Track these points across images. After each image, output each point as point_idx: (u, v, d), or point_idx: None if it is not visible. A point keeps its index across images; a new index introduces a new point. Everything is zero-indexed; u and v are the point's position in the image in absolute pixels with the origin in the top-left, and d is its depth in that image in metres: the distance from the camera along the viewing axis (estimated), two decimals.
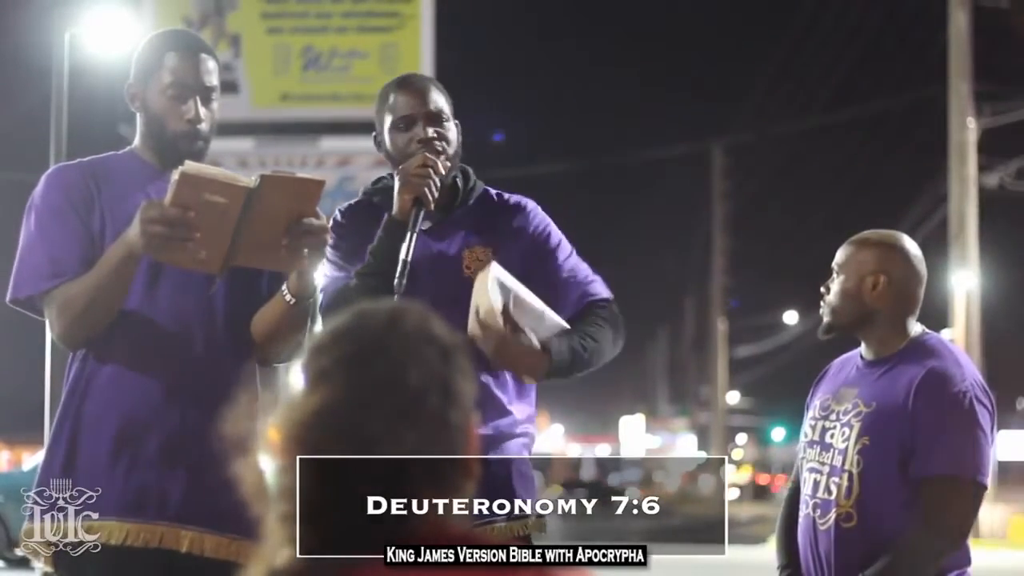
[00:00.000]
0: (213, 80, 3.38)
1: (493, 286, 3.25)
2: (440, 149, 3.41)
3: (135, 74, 3.41)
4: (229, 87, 24.32)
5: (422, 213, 3.33)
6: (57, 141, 11.17)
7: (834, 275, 3.64)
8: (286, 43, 25.17)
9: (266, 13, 25.25)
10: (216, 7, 25.15)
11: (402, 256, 3.29)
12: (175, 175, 3.09)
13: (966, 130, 23.35)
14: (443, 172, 3.36)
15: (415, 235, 3.31)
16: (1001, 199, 24.88)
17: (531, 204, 3.56)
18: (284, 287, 3.30)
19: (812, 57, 33.72)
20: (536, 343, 3.26)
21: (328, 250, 3.44)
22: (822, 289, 3.66)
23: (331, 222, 3.48)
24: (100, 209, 3.32)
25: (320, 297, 3.43)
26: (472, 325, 3.22)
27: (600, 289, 3.51)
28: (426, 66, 24.10)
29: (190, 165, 3.12)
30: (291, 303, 3.29)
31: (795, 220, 43.71)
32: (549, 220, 3.55)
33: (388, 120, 3.47)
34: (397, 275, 3.26)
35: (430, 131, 3.42)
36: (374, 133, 3.55)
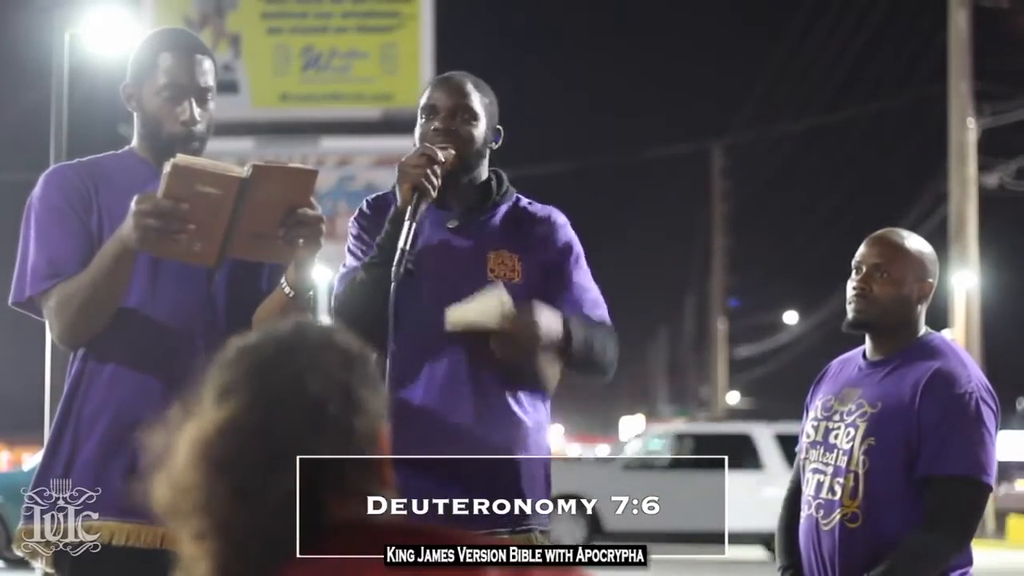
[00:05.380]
0: (209, 80, 3.37)
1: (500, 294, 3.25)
2: (450, 141, 3.38)
3: (131, 74, 3.40)
4: (229, 87, 24.33)
5: (423, 204, 3.31)
6: (57, 141, 11.16)
7: (874, 273, 3.62)
8: (286, 43, 25.18)
9: (266, 13, 25.25)
10: (216, 7, 25.15)
11: (400, 244, 3.28)
12: (167, 167, 3.08)
13: (966, 130, 23.34)
14: (443, 161, 3.33)
15: (414, 224, 3.29)
16: (1001, 199, 24.88)
17: (561, 217, 3.53)
18: (283, 280, 3.30)
19: (812, 57, 33.69)
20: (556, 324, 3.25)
21: (350, 240, 3.45)
22: (859, 284, 3.63)
23: (357, 212, 3.49)
24: (98, 209, 3.32)
25: (334, 286, 3.43)
26: (498, 318, 3.20)
27: (605, 315, 3.48)
28: (426, 66, 24.11)
29: (181, 157, 3.11)
30: (290, 296, 3.29)
31: (795, 220, 43.73)
32: (575, 236, 3.52)
33: (419, 111, 3.48)
34: (395, 263, 3.26)
35: (445, 124, 3.41)
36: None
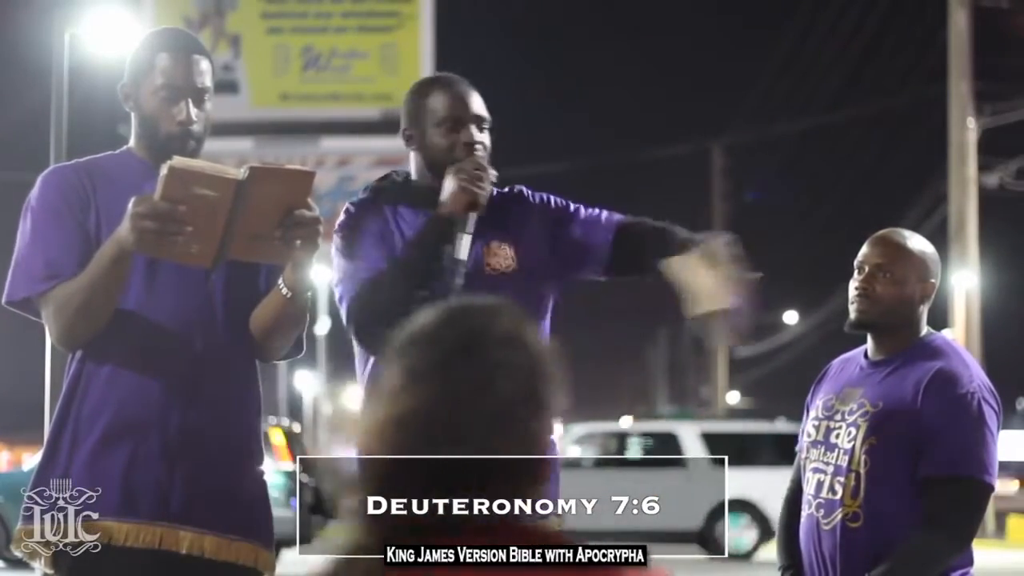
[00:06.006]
0: (206, 81, 3.37)
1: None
2: (485, 155, 3.44)
3: (128, 74, 3.40)
4: (229, 87, 24.34)
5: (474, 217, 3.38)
6: (57, 141, 11.15)
7: (877, 273, 3.62)
8: (286, 43, 25.18)
9: (266, 13, 25.26)
10: (216, 7, 25.15)
11: (460, 256, 3.35)
12: (163, 169, 3.09)
13: (966, 130, 23.34)
14: (494, 180, 3.41)
15: (471, 237, 3.37)
16: (1001, 199, 24.88)
17: (523, 188, 3.60)
18: (280, 281, 3.30)
19: (812, 57, 33.69)
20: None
21: (342, 245, 3.44)
22: (861, 284, 3.63)
23: (342, 215, 3.49)
24: (96, 209, 3.32)
25: (340, 289, 3.42)
26: (725, 263, 3.47)
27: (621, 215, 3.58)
28: (426, 66, 24.10)
29: (178, 159, 3.11)
30: (288, 297, 3.28)
31: (795, 220, 43.72)
32: (550, 194, 3.59)
33: (430, 118, 3.46)
34: (456, 276, 3.32)
35: (477, 135, 3.44)
36: (403, 128, 3.54)
